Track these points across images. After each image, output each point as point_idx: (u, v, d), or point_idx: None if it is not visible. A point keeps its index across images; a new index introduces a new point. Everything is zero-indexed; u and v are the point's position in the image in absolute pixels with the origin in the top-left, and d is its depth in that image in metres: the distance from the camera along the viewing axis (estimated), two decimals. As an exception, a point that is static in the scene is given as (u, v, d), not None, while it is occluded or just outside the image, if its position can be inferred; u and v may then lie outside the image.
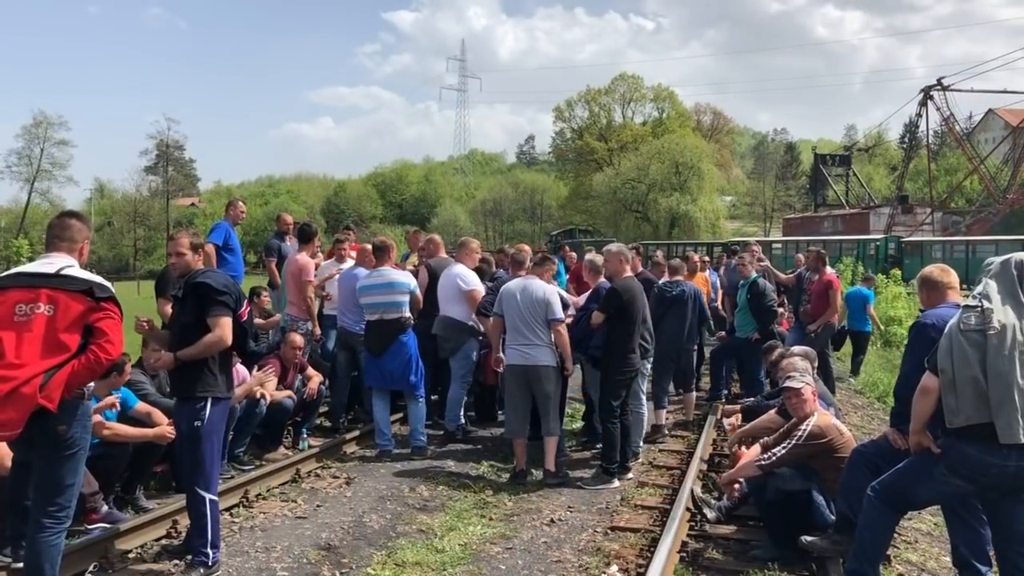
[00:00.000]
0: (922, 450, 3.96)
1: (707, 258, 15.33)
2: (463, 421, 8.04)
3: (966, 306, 3.73)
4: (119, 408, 5.66)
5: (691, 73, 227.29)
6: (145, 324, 4.80)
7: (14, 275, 3.94)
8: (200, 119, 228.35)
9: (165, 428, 5.50)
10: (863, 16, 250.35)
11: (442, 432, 7.92)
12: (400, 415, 8.19)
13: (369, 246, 8.56)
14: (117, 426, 5.46)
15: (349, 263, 8.80)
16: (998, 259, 3.84)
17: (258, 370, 7.05)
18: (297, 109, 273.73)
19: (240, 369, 6.48)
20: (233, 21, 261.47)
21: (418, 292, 7.55)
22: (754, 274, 9.58)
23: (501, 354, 6.81)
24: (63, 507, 3.88)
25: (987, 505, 4.03)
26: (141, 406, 5.80)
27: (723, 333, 11.17)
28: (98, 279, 3.92)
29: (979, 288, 3.77)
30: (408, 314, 7.34)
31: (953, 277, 4.54)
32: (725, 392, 10.22)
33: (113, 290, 3.96)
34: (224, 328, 4.54)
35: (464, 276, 7.83)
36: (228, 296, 4.58)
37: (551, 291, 6.66)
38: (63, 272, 3.86)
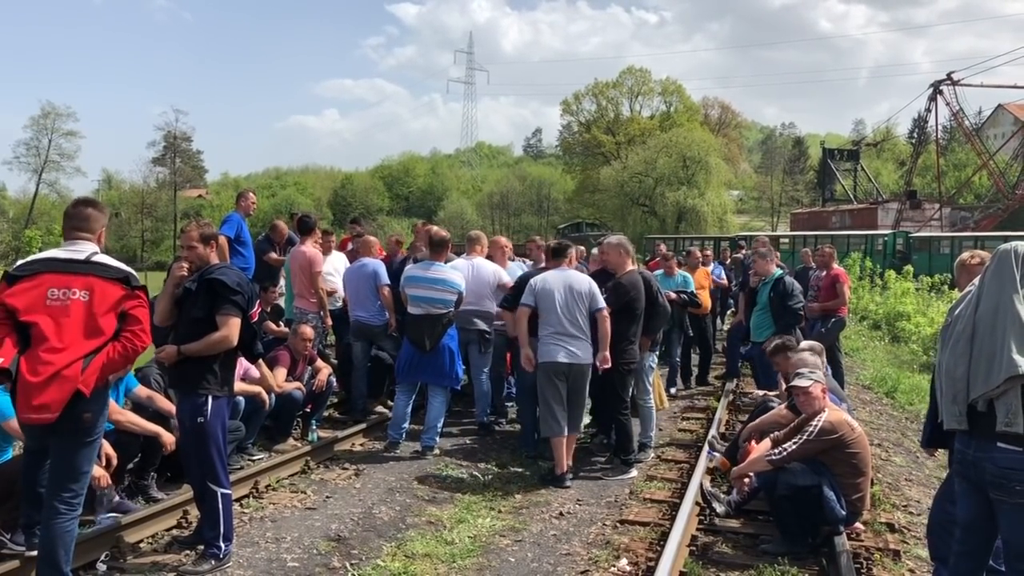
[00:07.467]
0: None
1: (708, 252, 15.24)
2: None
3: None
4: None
5: (695, 66, 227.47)
6: (185, 269, 4.64)
7: (45, 260, 3.95)
8: (205, 110, 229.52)
9: (166, 435, 5.45)
10: (867, 10, 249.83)
11: (476, 425, 8.00)
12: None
13: (372, 239, 8.62)
14: (130, 414, 5.45)
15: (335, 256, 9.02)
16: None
17: (269, 360, 7.06)
18: (302, 101, 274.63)
19: (241, 360, 6.44)
20: (238, 13, 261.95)
21: (464, 294, 7.39)
22: (778, 271, 8.83)
23: (528, 350, 6.56)
24: (77, 493, 3.92)
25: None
26: (140, 390, 5.76)
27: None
28: (129, 269, 3.98)
29: None
30: (452, 311, 7.27)
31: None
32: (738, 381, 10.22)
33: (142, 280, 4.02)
34: (232, 328, 4.51)
35: (504, 273, 7.98)
36: (241, 296, 4.54)
37: (592, 282, 6.65)
38: (94, 259, 3.90)
